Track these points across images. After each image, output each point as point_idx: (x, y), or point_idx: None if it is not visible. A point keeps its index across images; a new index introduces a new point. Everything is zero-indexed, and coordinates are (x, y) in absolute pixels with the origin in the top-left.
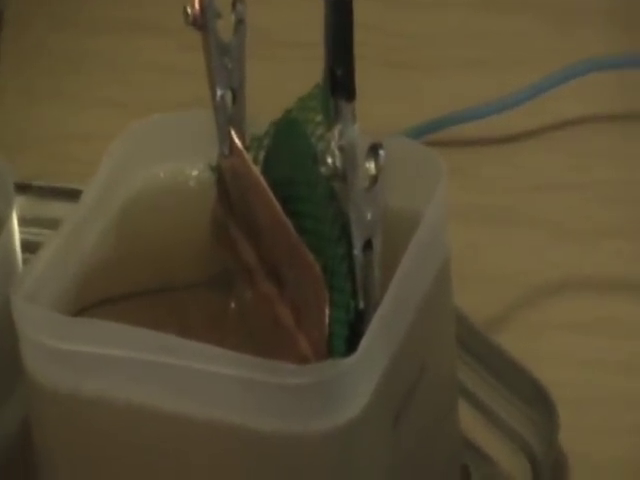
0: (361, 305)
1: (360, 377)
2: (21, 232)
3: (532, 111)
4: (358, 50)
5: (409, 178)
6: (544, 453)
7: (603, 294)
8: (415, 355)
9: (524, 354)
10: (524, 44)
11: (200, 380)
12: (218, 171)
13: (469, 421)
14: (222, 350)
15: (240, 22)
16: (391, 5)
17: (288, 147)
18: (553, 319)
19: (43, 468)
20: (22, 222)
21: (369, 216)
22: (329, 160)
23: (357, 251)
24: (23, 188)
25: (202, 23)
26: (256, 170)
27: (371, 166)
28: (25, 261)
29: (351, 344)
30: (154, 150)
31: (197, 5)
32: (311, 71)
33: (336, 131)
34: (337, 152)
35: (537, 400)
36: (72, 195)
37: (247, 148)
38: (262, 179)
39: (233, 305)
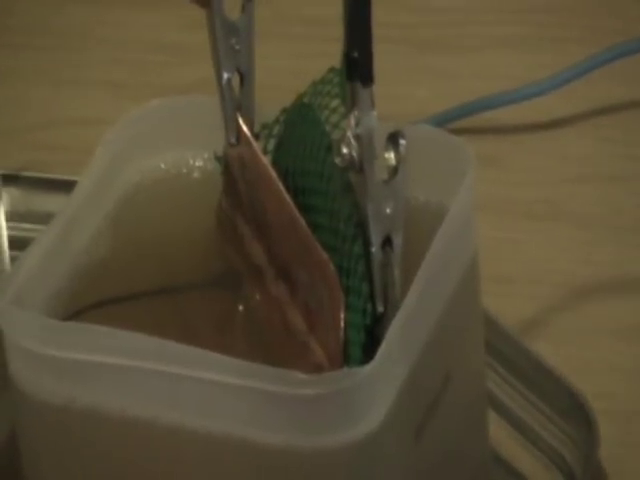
0: (379, 308)
1: (378, 387)
2: (9, 228)
3: (574, 94)
4: (378, 29)
5: (434, 169)
6: (582, 471)
7: None
8: (439, 363)
9: (561, 362)
10: (565, 20)
11: (201, 390)
12: (224, 161)
13: (499, 435)
14: (225, 357)
15: None
16: None
17: (300, 135)
18: (595, 324)
19: None
20: (10, 217)
21: (388, 211)
22: (344, 150)
23: (375, 249)
24: (10, 179)
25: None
26: (265, 160)
27: (391, 156)
28: (13, 259)
29: (368, 351)
30: (154, 138)
31: None
32: (332, 53)
33: (352, 118)
34: (353, 141)
35: (574, 412)
36: (65, 187)
37: (256, 136)
38: (272, 170)
39: (241, 308)
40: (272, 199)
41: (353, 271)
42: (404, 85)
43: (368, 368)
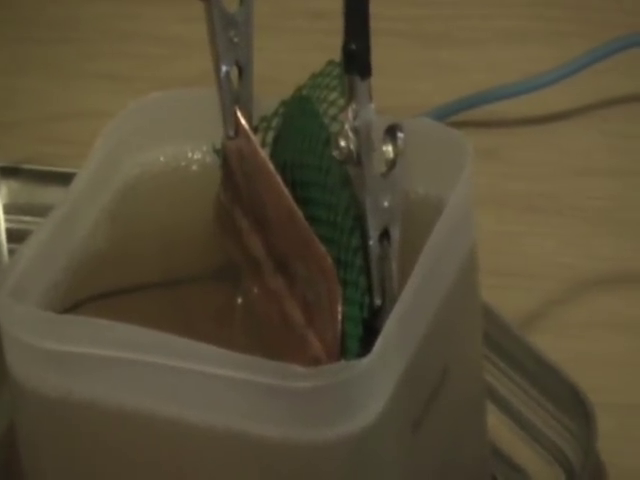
0: (377, 301)
1: (376, 380)
2: (7, 220)
3: (575, 87)
4: (382, 22)
5: (432, 162)
6: (581, 464)
7: None
8: (437, 356)
9: (561, 355)
10: (568, 14)
11: (199, 383)
12: (223, 154)
13: (498, 429)
14: (223, 350)
15: None
16: None
17: (298, 128)
18: (595, 318)
19: (30, 476)
20: (8, 209)
21: (386, 204)
22: (342, 143)
23: (373, 242)
24: (10, 172)
25: None
26: (264, 153)
27: (389, 149)
28: (11, 252)
29: (366, 344)
30: (153, 131)
31: None
32: (332, 46)
33: (350, 111)
34: (351, 134)
35: (574, 406)
36: (64, 179)
37: (254, 129)
38: (270, 163)
39: (239, 301)
40: (270, 192)
41: (351, 264)
42: (408, 78)
43: (366, 361)
